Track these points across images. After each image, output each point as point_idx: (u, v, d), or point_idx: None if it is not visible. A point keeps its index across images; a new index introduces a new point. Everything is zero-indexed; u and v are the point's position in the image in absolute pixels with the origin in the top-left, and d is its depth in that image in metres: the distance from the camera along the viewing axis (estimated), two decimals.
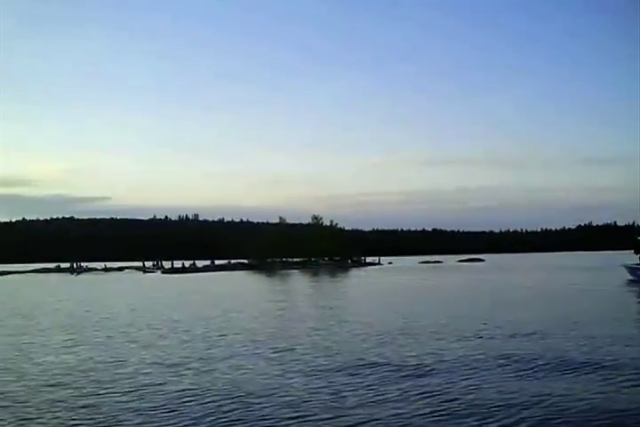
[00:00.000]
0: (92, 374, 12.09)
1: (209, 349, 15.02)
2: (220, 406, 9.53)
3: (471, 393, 10.01)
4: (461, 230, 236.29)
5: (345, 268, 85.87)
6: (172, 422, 8.74)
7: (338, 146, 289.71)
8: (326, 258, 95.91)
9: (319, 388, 10.58)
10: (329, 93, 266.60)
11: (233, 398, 9.99)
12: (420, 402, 9.58)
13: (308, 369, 12.21)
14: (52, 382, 11.42)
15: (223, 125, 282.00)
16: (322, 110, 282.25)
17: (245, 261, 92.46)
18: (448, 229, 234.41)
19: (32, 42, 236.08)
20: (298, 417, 8.85)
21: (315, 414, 8.95)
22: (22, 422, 8.83)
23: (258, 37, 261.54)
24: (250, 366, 12.59)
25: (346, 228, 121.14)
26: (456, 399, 9.64)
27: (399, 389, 10.44)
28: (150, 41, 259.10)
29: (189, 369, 12.39)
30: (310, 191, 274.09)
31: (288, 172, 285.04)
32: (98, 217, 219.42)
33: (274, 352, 14.34)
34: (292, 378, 11.41)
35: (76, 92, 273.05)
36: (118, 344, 16.15)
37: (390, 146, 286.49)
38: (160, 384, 11.02)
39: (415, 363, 12.60)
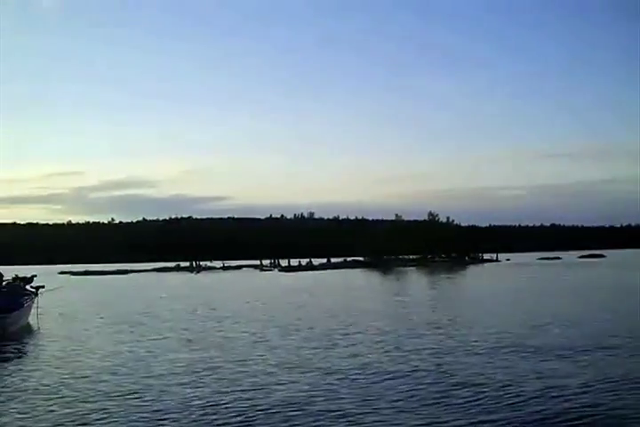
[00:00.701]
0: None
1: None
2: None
3: None
4: (580, 225, 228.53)
5: (462, 265, 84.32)
6: None
7: (451, 141, 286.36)
8: (443, 255, 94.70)
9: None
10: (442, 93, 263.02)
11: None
12: None
13: None
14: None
15: (338, 123, 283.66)
16: (435, 107, 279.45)
17: (361, 258, 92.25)
18: (567, 224, 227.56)
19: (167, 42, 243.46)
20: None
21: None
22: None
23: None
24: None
25: (462, 224, 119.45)
26: None
27: None
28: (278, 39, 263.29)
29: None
30: (426, 187, 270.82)
31: (403, 168, 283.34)
32: (215, 216, 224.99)
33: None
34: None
35: (194, 93, 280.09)
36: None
37: (507, 140, 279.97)
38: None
39: None
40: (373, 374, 11.66)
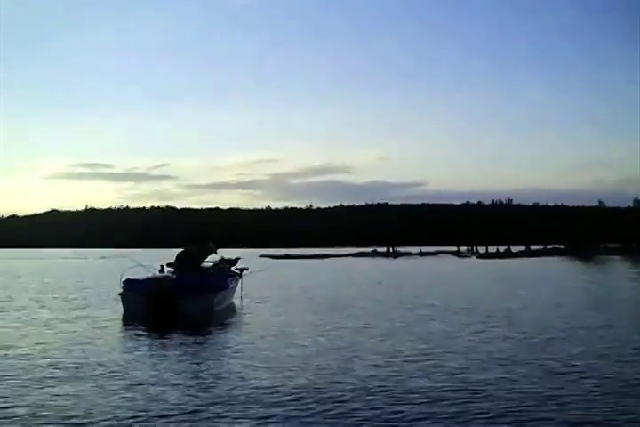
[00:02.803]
0: None
1: None
2: None
3: None
4: None
5: None
6: None
7: None
8: None
9: None
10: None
11: None
12: None
13: None
14: None
15: (535, 108, 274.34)
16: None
17: (560, 246, 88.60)
18: None
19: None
20: None
21: None
22: None
23: None
24: None
25: None
26: None
27: None
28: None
29: None
30: (630, 174, 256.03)
31: (603, 154, 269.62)
32: (411, 202, 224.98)
33: None
34: None
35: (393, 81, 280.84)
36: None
37: None
38: None
39: None
40: None
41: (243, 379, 9.90)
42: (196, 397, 8.75)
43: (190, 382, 9.65)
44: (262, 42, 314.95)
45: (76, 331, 15.11)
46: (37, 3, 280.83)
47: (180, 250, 21.58)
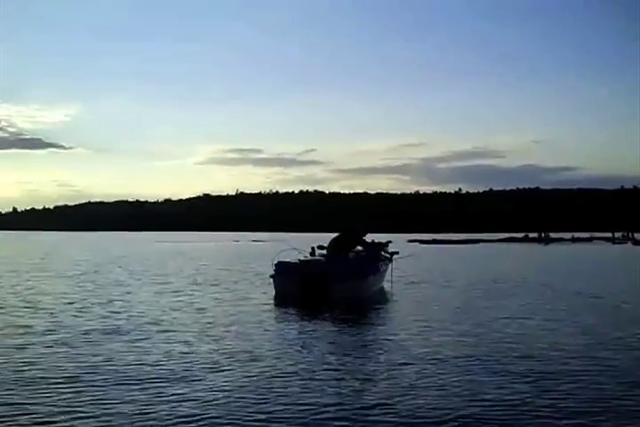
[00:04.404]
0: None
1: None
2: None
3: None
4: None
5: None
6: None
7: None
8: None
9: None
10: None
11: None
12: None
13: None
14: None
15: None
16: None
17: None
18: None
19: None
20: None
21: None
22: None
23: None
24: None
25: None
26: None
27: None
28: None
29: None
30: None
31: None
32: (564, 187, 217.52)
33: None
34: None
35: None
36: None
37: None
38: None
39: None
40: None
41: (401, 372, 9.60)
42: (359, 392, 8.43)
43: (347, 378, 9.30)
44: (406, 25, 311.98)
45: (232, 313, 15.28)
46: None
47: (335, 235, 21.53)
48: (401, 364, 9.71)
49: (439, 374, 9.05)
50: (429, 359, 10.00)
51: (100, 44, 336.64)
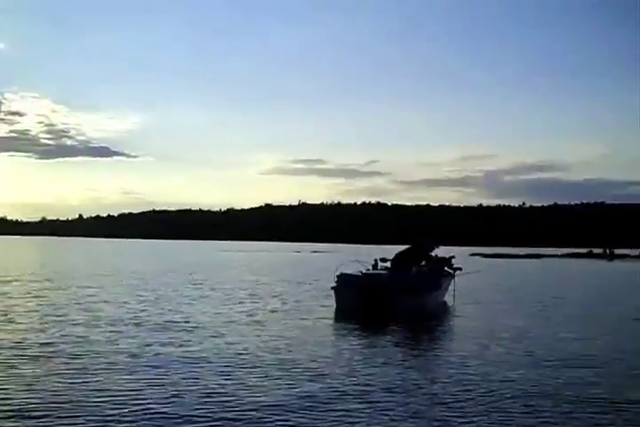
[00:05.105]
0: None
1: None
2: None
3: None
4: None
5: None
6: None
7: None
8: None
9: None
10: None
11: None
12: None
13: None
14: None
15: None
16: None
17: None
18: None
19: None
20: None
21: None
22: None
23: None
24: None
25: None
26: None
27: None
28: None
29: None
30: None
31: None
32: (630, 202, 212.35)
33: None
34: None
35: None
36: None
37: None
38: None
39: None
40: None
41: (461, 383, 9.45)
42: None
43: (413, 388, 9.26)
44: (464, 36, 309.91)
45: (292, 327, 15.26)
46: None
47: (404, 247, 21.41)
48: (460, 382, 9.60)
49: (503, 396, 8.90)
50: (492, 380, 9.83)
51: (168, 55, 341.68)
